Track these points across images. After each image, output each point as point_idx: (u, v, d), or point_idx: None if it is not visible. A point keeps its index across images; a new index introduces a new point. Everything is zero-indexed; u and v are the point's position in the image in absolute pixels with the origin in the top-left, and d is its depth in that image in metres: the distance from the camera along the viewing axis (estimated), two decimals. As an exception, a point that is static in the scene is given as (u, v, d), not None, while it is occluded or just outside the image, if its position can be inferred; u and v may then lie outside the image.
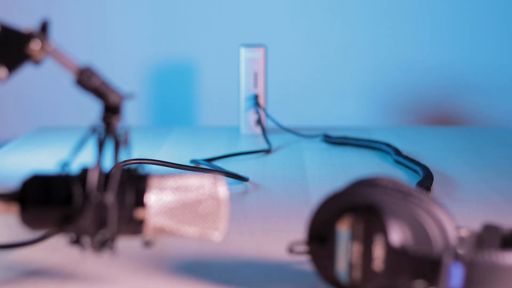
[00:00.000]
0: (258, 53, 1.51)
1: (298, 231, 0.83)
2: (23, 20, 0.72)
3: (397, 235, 0.63)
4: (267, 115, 1.51)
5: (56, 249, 0.80)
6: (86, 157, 0.75)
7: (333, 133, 1.46)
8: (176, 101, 1.84)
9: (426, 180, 1.09)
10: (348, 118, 1.82)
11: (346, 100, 1.82)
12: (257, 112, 1.51)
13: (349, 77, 1.82)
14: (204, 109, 1.84)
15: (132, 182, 0.67)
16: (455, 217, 0.68)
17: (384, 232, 0.64)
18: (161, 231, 0.68)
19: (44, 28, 0.66)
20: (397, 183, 0.68)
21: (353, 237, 0.65)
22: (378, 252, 0.64)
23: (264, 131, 1.47)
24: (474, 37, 1.81)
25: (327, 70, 1.82)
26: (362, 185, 0.68)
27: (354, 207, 0.66)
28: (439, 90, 1.82)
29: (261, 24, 1.80)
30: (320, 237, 0.67)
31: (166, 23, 1.81)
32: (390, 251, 0.63)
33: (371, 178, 0.69)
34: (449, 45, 1.81)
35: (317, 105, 1.82)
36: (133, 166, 0.68)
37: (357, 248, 0.65)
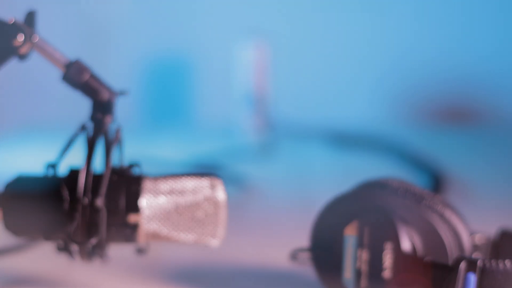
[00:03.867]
0: (260, 48, 1.51)
1: (302, 237, 0.82)
2: (9, 12, 0.72)
3: (407, 241, 0.63)
4: (268, 114, 1.51)
5: (43, 257, 0.80)
6: (75, 158, 0.75)
7: (338, 133, 1.46)
8: (171, 98, 1.84)
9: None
10: (355, 117, 1.82)
11: (352, 99, 1.82)
12: (258, 111, 1.51)
13: (355, 76, 1.82)
14: (202, 108, 1.84)
15: (124, 185, 0.67)
16: (470, 222, 0.67)
17: (394, 238, 0.64)
18: (155, 236, 0.68)
19: (29, 19, 0.66)
20: (408, 185, 0.68)
21: (361, 243, 0.65)
22: (388, 260, 0.64)
23: (265, 131, 1.47)
24: (485, 33, 1.81)
25: (333, 68, 1.82)
26: (370, 187, 0.68)
27: (361, 212, 0.66)
28: (449, 86, 1.82)
29: (262, 20, 1.80)
30: (325, 243, 0.67)
31: (163, 17, 1.81)
32: (400, 258, 0.63)
33: (380, 180, 0.69)
34: (459, 42, 1.81)
35: (322, 103, 1.82)
36: (125, 167, 0.68)
37: (364, 256, 0.65)
